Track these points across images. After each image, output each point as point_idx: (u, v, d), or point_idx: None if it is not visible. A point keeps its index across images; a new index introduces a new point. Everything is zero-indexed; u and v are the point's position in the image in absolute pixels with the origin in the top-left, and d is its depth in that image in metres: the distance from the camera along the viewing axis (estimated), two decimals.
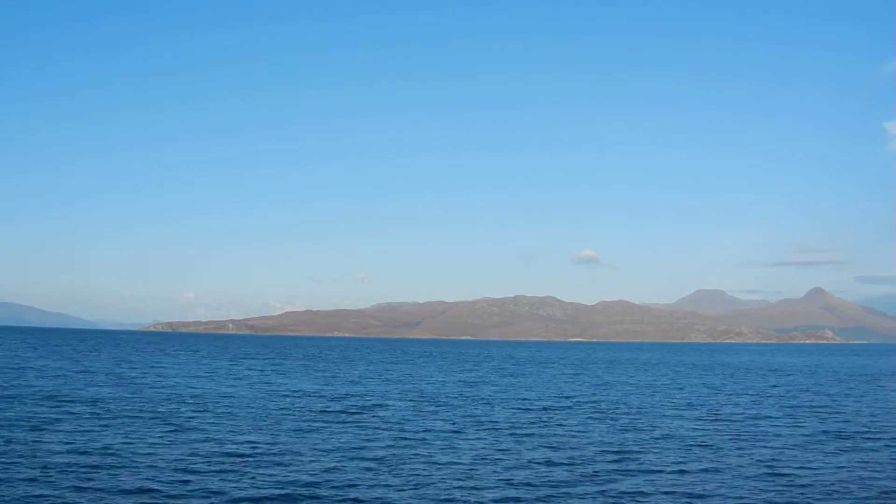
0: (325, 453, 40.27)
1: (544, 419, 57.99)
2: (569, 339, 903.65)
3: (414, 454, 40.76)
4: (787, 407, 69.95)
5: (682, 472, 37.10)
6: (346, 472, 35.53)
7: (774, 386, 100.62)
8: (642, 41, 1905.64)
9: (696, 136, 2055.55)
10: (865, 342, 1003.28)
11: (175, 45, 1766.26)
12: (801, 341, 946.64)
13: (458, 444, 44.27)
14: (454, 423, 54.20)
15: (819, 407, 70.15)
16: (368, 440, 45.41)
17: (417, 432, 49.17)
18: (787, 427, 54.56)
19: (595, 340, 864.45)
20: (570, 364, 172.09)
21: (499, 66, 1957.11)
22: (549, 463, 38.85)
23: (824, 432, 51.86)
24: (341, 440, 44.99)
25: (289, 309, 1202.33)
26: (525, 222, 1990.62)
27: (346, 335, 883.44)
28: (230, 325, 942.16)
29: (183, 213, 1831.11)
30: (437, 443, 45.00)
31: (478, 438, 46.99)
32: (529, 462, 39.07)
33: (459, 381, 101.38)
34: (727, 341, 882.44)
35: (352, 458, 38.87)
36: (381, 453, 40.74)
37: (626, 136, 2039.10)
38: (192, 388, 77.76)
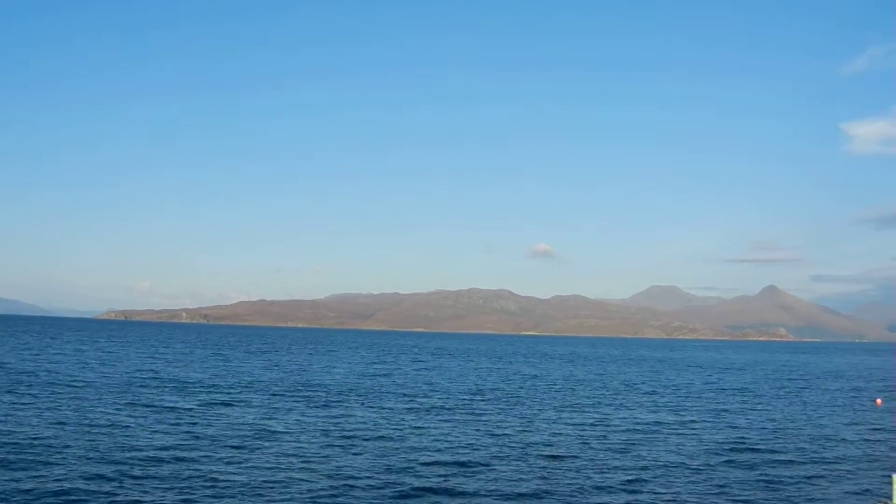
0: None
1: (396, 415, 49.66)
2: (522, 333, 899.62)
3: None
4: (682, 408, 60.88)
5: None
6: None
7: (689, 383, 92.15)
8: (605, 38, 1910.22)
9: (653, 133, 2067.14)
10: (819, 340, 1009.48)
11: (140, 37, 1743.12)
12: (755, 338, 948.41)
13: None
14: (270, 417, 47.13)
15: (719, 410, 61.10)
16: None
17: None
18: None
19: (549, 334, 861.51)
20: (498, 356, 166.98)
21: (457, 61, 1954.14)
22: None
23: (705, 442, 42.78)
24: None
25: (244, 299, 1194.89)
26: (481, 216, 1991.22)
27: (300, 325, 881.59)
28: (184, 314, 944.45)
29: (141, 203, 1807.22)
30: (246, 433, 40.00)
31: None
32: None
33: (359, 373, 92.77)
34: (681, 337, 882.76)
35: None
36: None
37: (582, 131, 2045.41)
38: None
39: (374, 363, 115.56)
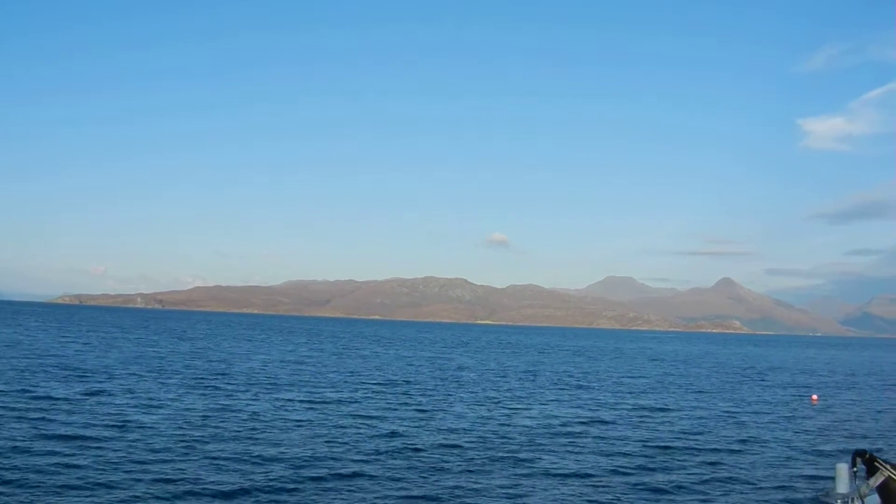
0: None
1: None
2: (477, 322, 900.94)
3: None
4: (605, 404, 57.18)
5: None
6: None
7: (625, 376, 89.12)
8: (564, 31, 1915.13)
9: (610, 125, 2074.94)
10: (772, 333, 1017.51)
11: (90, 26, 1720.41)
12: (709, 330, 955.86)
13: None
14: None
15: (644, 405, 57.52)
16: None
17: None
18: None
19: (504, 323, 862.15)
20: (439, 345, 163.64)
21: (415, 51, 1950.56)
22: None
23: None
24: None
25: (199, 284, 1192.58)
26: (436, 204, 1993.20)
27: (255, 312, 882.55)
28: (138, 299, 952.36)
29: (97, 186, 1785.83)
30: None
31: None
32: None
33: (279, 360, 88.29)
34: (635, 328, 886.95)
35: None
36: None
37: (539, 121, 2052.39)
38: None
39: (303, 351, 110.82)
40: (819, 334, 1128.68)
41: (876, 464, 6.68)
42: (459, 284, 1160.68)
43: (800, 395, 68.17)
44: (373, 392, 56.09)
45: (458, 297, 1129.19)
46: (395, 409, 46.10)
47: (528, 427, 40.95)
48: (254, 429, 36.58)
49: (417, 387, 61.41)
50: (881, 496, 6.70)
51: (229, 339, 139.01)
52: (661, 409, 52.61)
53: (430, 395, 55.24)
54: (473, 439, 36.42)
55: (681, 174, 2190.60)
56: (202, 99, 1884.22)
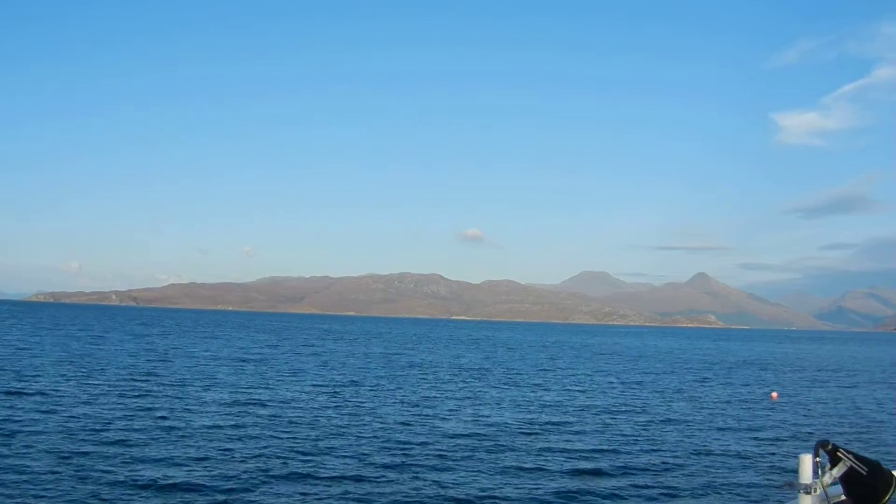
0: None
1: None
2: (453, 317, 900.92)
3: None
4: (553, 405, 54.18)
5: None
6: None
7: (585, 374, 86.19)
8: (540, 20, 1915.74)
9: (584, 118, 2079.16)
10: (747, 327, 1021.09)
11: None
12: (684, 325, 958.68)
13: None
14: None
15: (596, 406, 54.57)
16: None
17: None
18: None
19: (479, 319, 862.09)
20: (400, 341, 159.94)
21: (390, 41, 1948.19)
22: None
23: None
24: None
25: (174, 281, 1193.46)
26: (411, 200, 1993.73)
27: (230, 308, 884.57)
28: (113, 297, 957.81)
29: (71, 183, 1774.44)
30: None
31: None
32: None
33: (225, 357, 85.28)
34: (611, 323, 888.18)
35: None
36: None
37: (513, 115, 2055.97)
38: None
39: (257, 348, 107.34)
40: (793, 328, 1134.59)
41: (839, 454, 6.56)
42: (434, 280, 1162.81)
43: (762, 392, 65.45)
44: (306, 392, 52.70)
45: (434, 293, 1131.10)
46: (319, 411, 42.72)
47: (447, 432, 37.43)
48: (150, 434, 33.20)
49: (356, 387, 57.90)
50: (844, 485, 6.62)
51: (187, 337, 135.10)
52: (615, 410, 49.29)
53: (365, 396, 51.77)
54: (386, 445, 33.11)
55: (655, 168, 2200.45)
56: (177, 94, 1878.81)
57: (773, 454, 34.82)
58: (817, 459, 6.67)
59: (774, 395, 61.71)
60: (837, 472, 6.64)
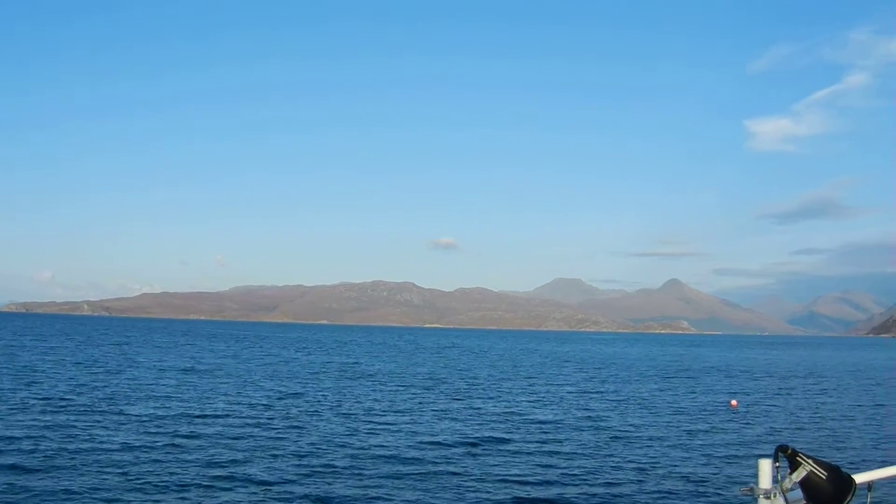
0: None
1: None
2: (426, 325, 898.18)
3: None
4: (494, 418, 51.64)
5: None
6: None
7: (543, 384, 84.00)
8: (507, 24, 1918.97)
9: (558, 124, 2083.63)
10: (720, 332, 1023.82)
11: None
12: (657, 331, 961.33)
13: None
14: None
15: (544, 421, 52.10)
16: None
17: None
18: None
19: (452, 327, 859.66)
20: (357, 349, 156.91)
21: (359, 49, 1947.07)
22: None
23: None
24: None
25: (147, 290, 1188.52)
26: (385, 208, 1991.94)
27: (203, 318, 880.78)
28: (85, 307, 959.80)
29: (44, 191, 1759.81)
30: None
31: None
32: None
33: (169, 368, 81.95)
34: (584, 330, 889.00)
35: None
36: None
37: (486, 121, 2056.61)
38: None
39: (212, 359, 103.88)
40: (766, 334, 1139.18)
41: (798, 458, 6.68)
42: (407, 288, 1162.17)
43: (722, 400, 63.21)
44: (243, 405, 49.74)
45: (407, 301, 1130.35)
46: (245, 428, 39.72)
47: (371, 451, 34.62)
48: (47, 456, 30.38)
49: (298, 399, 55.08)
50: (803, 490, 6.76)
51: (144, 347, 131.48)
52: (565, 423, 46.68)
53: (302, 409, 48.85)
54: (301, 465, 30.28)
55: (629, 176, 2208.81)
56: (149, 102, 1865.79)
57: (728, 464, 33.60)
58: (777, 464, 6.70)
59: (734, 402, 59.47)
60: (797, 476, 6.67)
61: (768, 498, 6.62)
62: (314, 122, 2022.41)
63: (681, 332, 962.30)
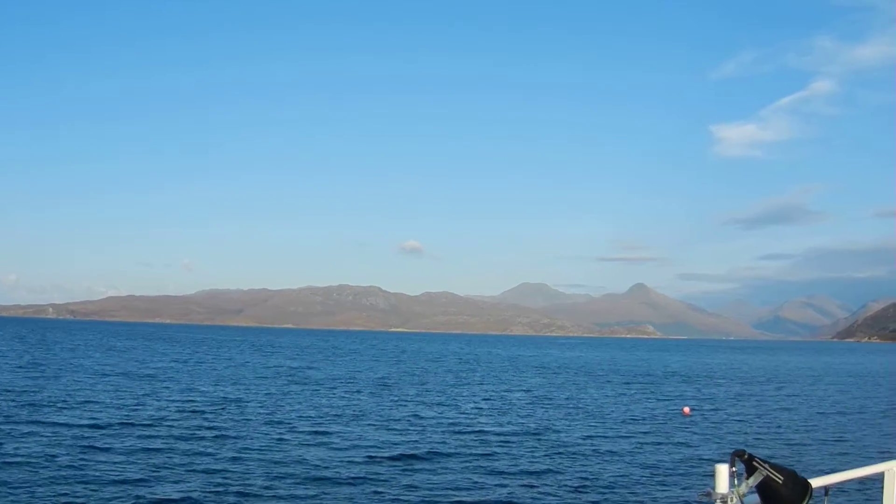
0: None
1: None
2: (391, 329, 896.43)
3: None
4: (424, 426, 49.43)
5: None
6: None
7: (490, 390, 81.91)
8: (478, 28, 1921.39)
9: (525, 130, 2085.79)
10: (685, 337, 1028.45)
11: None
12: (623, 335, 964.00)
13: None
14: None
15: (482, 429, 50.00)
16: None
17: None
18: None
19: (417, 331, 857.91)
20: (314, 354, 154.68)
21: (321, 52, 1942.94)
22: None
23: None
24: None
25: (112, 294, 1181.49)
26: (350, 211, 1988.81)
27: (168, 321, 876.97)
28: (50, 310, 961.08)
29: (9, 194, 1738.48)
30: None
31: None
32: None
33: (121, 373, 79.07)
34: (549, 334, 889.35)
35: None
36: None
37: (452, 126, 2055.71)
38: None
39: (158, 363, 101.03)
40: (731, 338, 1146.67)
41: (755, 463, 6.83)
42: (373, 292, 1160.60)
43: (677, 407, 61.36)
44: (174, 411, 47.37)
45: (372, 305, 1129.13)
46: (168, 439, 37.20)
47: (289, 467, 32.16)
48: None
49: (233, 405, 52.58)
50: (760, 494, 6.92)
51: (98, 350, 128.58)
52: (509, 432, 44.58)
53: (233, 416, 46.38)
54: (210, 482, 27.90)
55: (595, 181, 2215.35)
56: (116, 106, 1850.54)
57: (669, 476, 32.05)
58: (733, 469, 6.73)
59: (687, 409, 57.65)
60: (753, 481, 6.77)
61: (725, 502, 6.58)
62: (280, 126, 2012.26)
63: (646, 336, 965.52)
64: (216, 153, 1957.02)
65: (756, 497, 6.83)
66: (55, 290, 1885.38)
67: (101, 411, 46.57)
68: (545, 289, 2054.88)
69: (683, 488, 29.56)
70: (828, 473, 7.77)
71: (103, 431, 38.69)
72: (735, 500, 6.59)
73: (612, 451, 37.88)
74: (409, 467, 32.31)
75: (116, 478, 27.96)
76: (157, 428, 40.72)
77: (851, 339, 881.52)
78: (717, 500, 6.61)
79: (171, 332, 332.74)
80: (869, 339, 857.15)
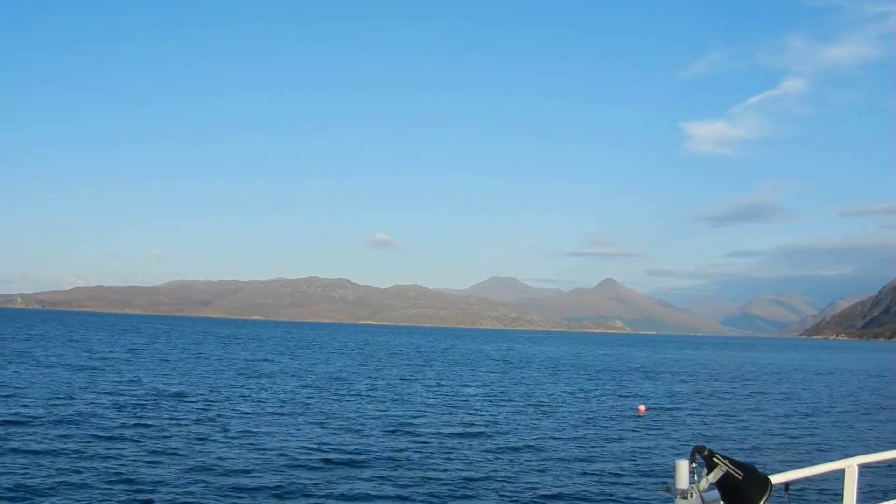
0: None
1: None
2: (360, 322, 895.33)
3: None
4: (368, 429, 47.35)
5: None
6: None
7: (440, 385, 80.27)
8: (452, 22, 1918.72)
9: (494, 124, 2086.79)
10: (654, 332, 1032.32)
11: None
12: (592, 330, 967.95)
13: None
14: None
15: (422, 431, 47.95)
16: None
17: None
18: None
19: (386, 324, 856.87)
20: (276, 346, 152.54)
21: (292, 46, 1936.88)
22: None
23: None
24: None
25: (81, 284, 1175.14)
26: (320, 204, 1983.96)
27: (137, 312, 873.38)
28: (18, 300, 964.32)
29: None
30: None
31: None
32: None
33: (70, 365, 75.98)
34: (518, 328, 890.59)
35: None
36: None
37: (422, 118, 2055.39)
38: None
39: (121, 354, 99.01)
40: (700, 334, 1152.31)
41: (715, 459, 6.81)
42: (342, 285, 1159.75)
43: (634, 405, 59.56)
44: (107, 406, 44.90)
45: (342, 298, 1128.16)
46: (84, 441, 34.41)
47: (216, 469, 29.86)
48: None
49: (170, 400, 50.13)
50: (720, 490, 6.92)
51: (51, 341, 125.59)
52: (455, 431, 42.41)
53: (166, 412, 43.91)
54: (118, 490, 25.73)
55: (566, 176, 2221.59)
56: (85, 98, 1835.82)
57: (625, 476, 31.09)
58: (693, 465, 6.77)
59: (642, 408, 55.86)
60: (713, 476, 6.75)
61: (685, 498, 6.61)
62: (250, 119, 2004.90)
63: (615, 331, 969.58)
64: (188, 146, 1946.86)
65: (716, 493, 6.73)
66: (23, 279, 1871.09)
67: (27, 406, 44.07)
68: (514, 283, 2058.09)
69: (639, 489, 28.47)
70: (788, 470, 7.69)
71: (15, 429, 36.20)
72: (695, 495, 6.54)
73: (560, 451, 36.28)
74: (331, 474, 29.70)
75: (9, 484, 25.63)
76: (78, 425, 38.23)
77: (819, 336, 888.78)
78: (677, 496, 6.56)
79: (136, 323, 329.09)
80: (836, 336, 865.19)
